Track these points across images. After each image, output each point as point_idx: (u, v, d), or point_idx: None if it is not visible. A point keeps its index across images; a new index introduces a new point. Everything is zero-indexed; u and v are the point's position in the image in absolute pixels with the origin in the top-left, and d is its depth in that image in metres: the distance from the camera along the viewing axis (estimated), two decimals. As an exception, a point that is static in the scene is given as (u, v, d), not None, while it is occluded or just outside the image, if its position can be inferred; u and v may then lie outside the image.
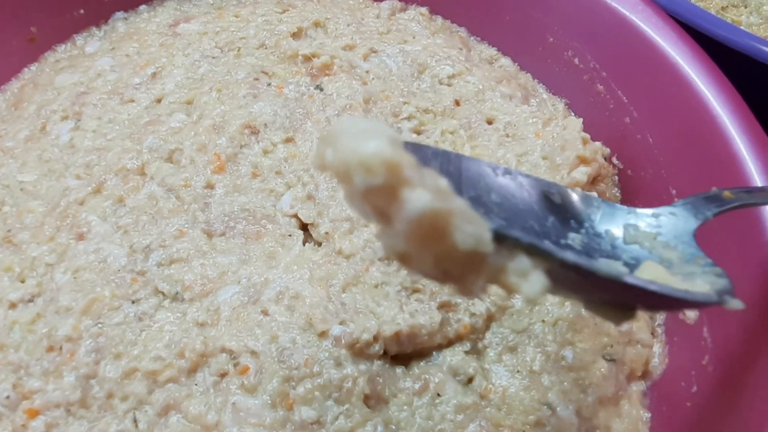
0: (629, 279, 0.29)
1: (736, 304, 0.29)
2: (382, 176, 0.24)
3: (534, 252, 0.28)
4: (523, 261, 0.27)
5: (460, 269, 0.27)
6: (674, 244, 0.34)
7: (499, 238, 0.27)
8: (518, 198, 0.33)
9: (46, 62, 0.67)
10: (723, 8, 0.74)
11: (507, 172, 0.34)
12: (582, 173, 0.52)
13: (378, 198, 0.25)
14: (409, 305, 0.46)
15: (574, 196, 0.35)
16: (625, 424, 0.45)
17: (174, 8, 0.73)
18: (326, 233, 0.51)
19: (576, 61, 0.63)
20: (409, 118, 0.59)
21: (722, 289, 0.30)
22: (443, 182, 0.25)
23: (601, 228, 0.34)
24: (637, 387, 0.47)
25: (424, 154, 0.32)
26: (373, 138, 0.24)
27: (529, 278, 0.27)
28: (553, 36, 0.64)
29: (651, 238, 0.34)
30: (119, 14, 0.71)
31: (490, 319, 0.47)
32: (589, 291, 0.30)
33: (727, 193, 0.38)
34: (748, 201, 0.39)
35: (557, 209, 0.34)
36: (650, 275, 0.30)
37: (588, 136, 0.55)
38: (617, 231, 0.34)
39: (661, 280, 0.30)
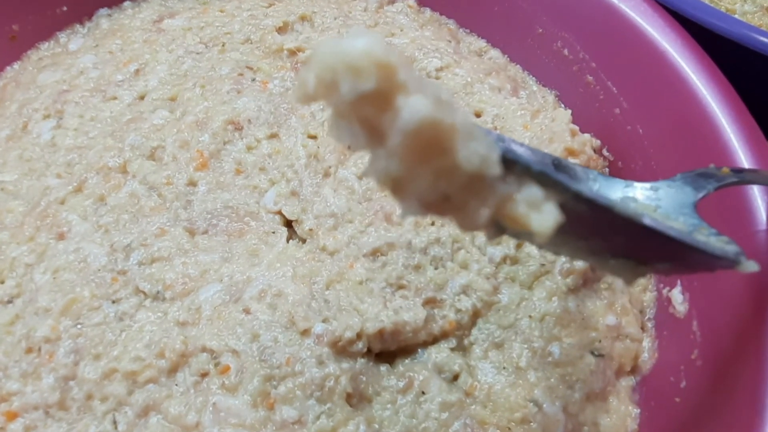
0: (647, 220, 0.26)
1: (751, 265, 0.28)
2: (374, 79, 0.21)
3: (546, 182, 0.24)
4: (534, 190, 0.24)
5: (462, 194, 0.23)
6: (675, 216, 0.33)
7: (508, 163, 0.23)
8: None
9: (29, 60, 0.67)
10: (715, -4, 0.73)
11: (500, 139, 0.31)
12: (570, 166, 0.51)
13: (369, 109, 0.21)
14: (393, 302, 0.46)
15: (574, 165, 0.34)
16: (614, 420, 0.44)
17: (159, 4, 0.72)
18: (310, 230, 0.50)
19: (565, 52, 0.62)
20: None
21: (737, 251, 0.29)
22: (445, 92, 0.22)
23: None
24: (626, 382, 0.46)
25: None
26: (362, 36, 0.21)
27: (542, 210, 0.23)
28: (542, 27, 0.63)
29: (651, 209, 0.33)
30: (103, 11, 0.70)
31: (476, 315, 0.46)
32: (602, 237, 0.28)
33: (725, 170, 0.37)
34: (746, 178, 0.38)
35: (561, 171, 0.32)
36: None
37: (576, 128, 0.54)
38: None
39: None
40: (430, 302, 0.46)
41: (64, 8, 0.68)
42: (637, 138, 0.56)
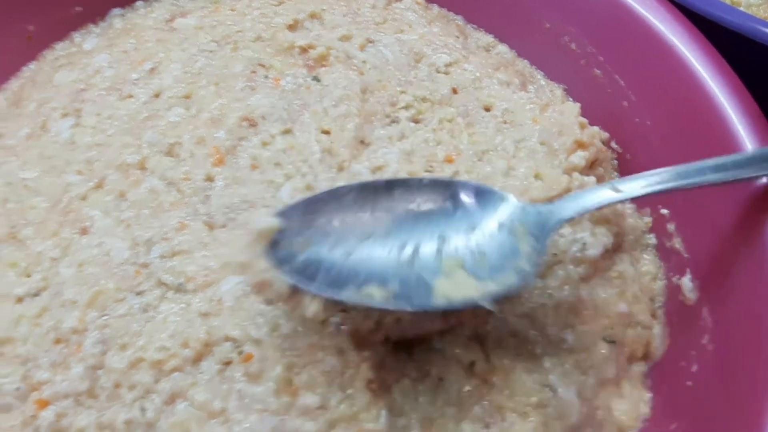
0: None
1: (486, 304, 0.38)
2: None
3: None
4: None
5: None
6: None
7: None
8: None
9: (45, 60, 0.68)
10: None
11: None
12: (580, 158, 0.52)
13: None
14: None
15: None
16: (627, 405, 0.45)
17: (170, 3, 0.73)
18: None
19: (573, 46, 0.63)
20: (406, 107, 0.59)
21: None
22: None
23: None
24: (638, 368, 0.47)
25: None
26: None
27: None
28: (549, 22, 0.64)
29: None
30: (116, 11, 0.71)
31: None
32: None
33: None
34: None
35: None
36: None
37: (586, 120, 0.55)
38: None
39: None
40: None
41: (79, 8, 0.69)
42: (645, 130, 0.57)
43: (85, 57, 0.67)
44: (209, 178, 0.53)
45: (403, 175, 0.52)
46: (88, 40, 0.69)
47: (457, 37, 0.69)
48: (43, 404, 0.43)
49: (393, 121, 0.59)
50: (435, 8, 0.73)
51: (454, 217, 0.43)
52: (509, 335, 0.46)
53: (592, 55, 0.61)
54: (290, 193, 0.53)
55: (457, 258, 0.41)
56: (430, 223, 0.43)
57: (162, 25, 0.70)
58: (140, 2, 0.73)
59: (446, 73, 0.64)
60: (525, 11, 0.66)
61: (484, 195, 0.43)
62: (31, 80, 0.66)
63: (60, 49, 0.69)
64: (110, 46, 0.67)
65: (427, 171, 0.53)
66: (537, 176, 0.52)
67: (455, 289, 0.39)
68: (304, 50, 0.63)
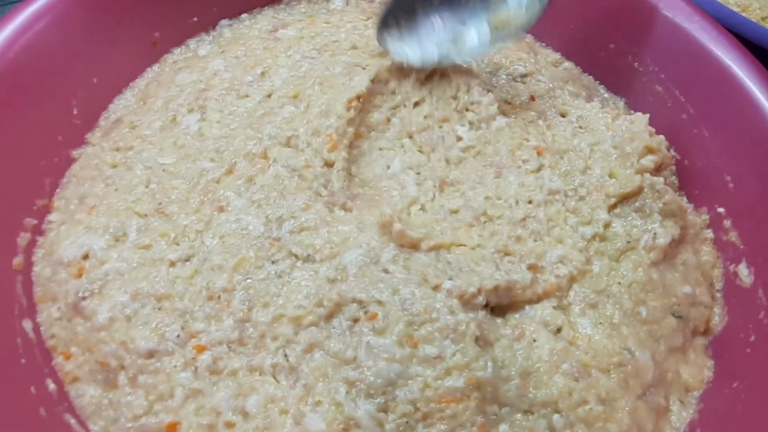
0: None
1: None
2: None
3: None
4: None
5: None
6: None
7: None
8: None
9: (166, 63, 0.77)
10: (763, 18, 0.83)
11: None
12: (649, 161, 0.60)
13: None
14: (503, 265, 0.55)
15: None
16: (692, 370, 0.53)
17: (271, 16, 0.82)
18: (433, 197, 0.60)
19: (636, 65, 0.71)
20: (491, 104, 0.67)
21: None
22: None
23: None
24: (700, 341, 0.55)
25: None
26: None
27: None
28: (614, 43, 0.73)
29: None
30: (224, 21, 0.81)
31: (572, 280, 0.55)
32: None
33: None
34: None
35: None
36: None
37: (653, 129, 0.64)
38: None
39: None
40: (533, 268, 0.55)
41: (195, 19, 0.78)
42: (702, 139, 0.65)
43: (201, 61, 0.76)
44: (328, 164, 0.62)
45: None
46: (201, 46, 0.79)
47: (528, 53, 0.78)
48: (201, 349, 0.52)
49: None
50: (507, 27, 0.81)
51: None
52: (589, 307, 0.53)
53: (654, 73, 0.70)
54: (401, 168, 0.61)
55: None
56: None
57: (266, 35, 0.79)
58: (245, 15, 0.82)
59: (522, 83, 0.72)
60: (592, 33, 0.75)
61: None
62: (155, 80, 0.75)
63: (178, 53, 0.78)
64: (223, 53, 0.77)
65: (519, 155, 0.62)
66: (611, 175, 0.60)
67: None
68: None
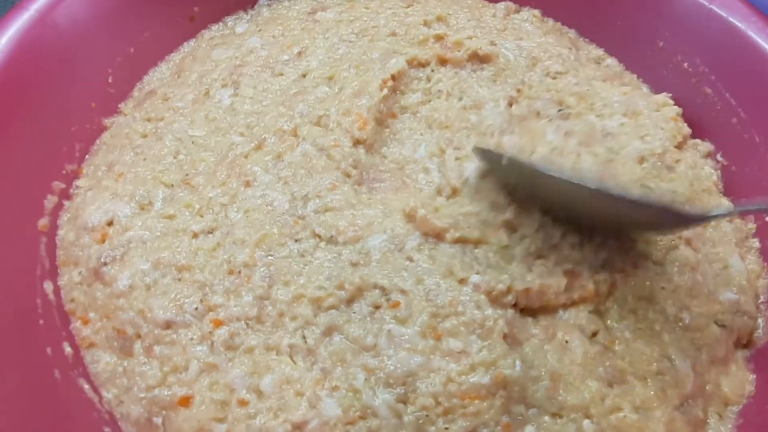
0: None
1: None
2: None
3: None
4: None
5: None
6: None
7: None
8: None
9: (202, 39, 0.77)
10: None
11: None
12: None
13: None
14: (535, 267, 0.52)
15: None
16: (733, 382, 0.49)
17: (311, -2, 0.81)
18: (453, 187, 0.57)
19: (685, 65, 0.68)
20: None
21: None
22: None
23: None
24: (742, 354, 0.52)
25: None
26: None
27: None
28: (664, 41, 0.70)
29: None
30: (263, 1, 0.80)
31: (613, 285, 0.52)
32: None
33: None
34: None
35: None
36: None
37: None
38: None
39: None
40: (568, 273, 0.52)
41: (234, -4, 0.78)
42: (753, 145, 0.61)
43: (238, 38, 0.75)
44: (356, 143, 0.60)
45: None
46: (239, 24, 0.78)
47: (570, 49, 0.75)
48: (218, 323, 0.50)
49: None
50: (550, 21, 0.79)
51: None
52: (629, 312, 0.51)
53: (704, 74, 0.66)
54: (426, 154, 0.59)
55: None
56: None
57: (305, 16, 0.78)
58: (284, -5, 0.81)
59: (554, 78, 0.69)
60: (639, 30, 0.72)
61: None
62: (190, 55, 0.75)
63: (215, 30, 0.78)
64: (260, 31, 0.76)
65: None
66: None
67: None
68: (439, 37, 0.69)
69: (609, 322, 0.50)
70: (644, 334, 0.49)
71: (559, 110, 0.56)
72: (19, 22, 0.58)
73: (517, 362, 0.47)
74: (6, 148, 0.54)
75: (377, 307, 0.50)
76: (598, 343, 0.49)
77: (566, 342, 0.49)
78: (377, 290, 0.51)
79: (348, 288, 0.51)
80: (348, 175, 0.58)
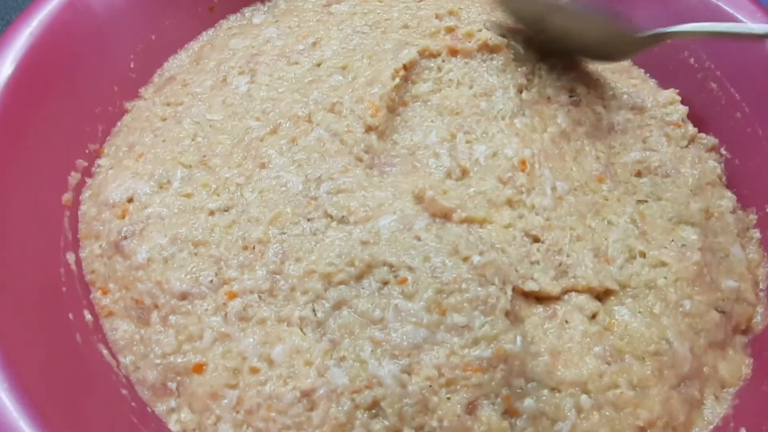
0: None
1: None
2: None
3: None
4: None
5: None
6: None
7: None
8: None
9: (221, 28, 0.79)
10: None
11: None
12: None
13: None
14: (533, 253, 0.54)
15: None
16: (730, 366, 0.51)
17: (326, -9, 0.83)
18: (463, 168, 0.59)
19: (691, 61, 0.69)
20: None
21: None
22: None
23: None
24: (741, 339, 0.53)
25: None
26: None
27: None
28: (671, 37, 0.71)
29: None
30: (280, -7, 0.83)
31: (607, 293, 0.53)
32: None
33: None
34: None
35: None
36: None
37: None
38: None
39: None
40: (563, 272, 0.54)
41: (252, -12, 0.81)
42: (756, 138, 0.63)
43: (255, 29, 0.78)
44: (368, 130, 0.62)
45: None
46: (256, 15, 0.81)
47: (578, 44, 0.77)
48: (232, 296, 0.53)
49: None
50: (559, 17, 0.81)
51: None
52: (629, 297, 0.52)
53: (709, 70, 0.68)
54: (437, 140, 0.61)
55: None
56: None
57: (320, 8, 0.80)
58: (300, -12, 0.84)
59: (564, 68, 0.71)
60: (648, 26, 0.73)
61: None
62: (209, 43, 0.77)
63: (233, 20, 0.80)
64: (277, 22, 0.78)
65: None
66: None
67: None
68: (450, 29, 0.71)
69: (608, 305, 0.52)
70: (644, 317, 0.50)
71: (570, 96, 0.58)
72: (50, 6, 0.60)
73: (519, 337, 0.48)
74: (36, 126, 0.56)
75: (385, 283, 0.52)
76: (597, 324, 0.50)
77: (566, 322, 0.50)
78: (386, 267, 0.53)
79: (358, 265, 0.52)
80: (360, 160, 0.60)
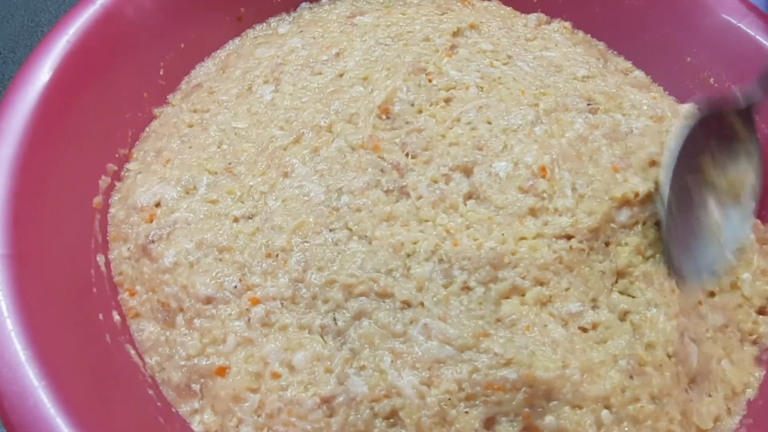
0: None
1: None
2: None
3: None
4: None
5: None
6: None
7: None
8: None
9: (247, 37, 0.81)
10: None
11: None
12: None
13: None
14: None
15: None
16: (739, 372, 0.54)
17: (350, 3, 0.85)
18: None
19: (711, 80, 0.70)
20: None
21: None
22: None
23: None
24: (750, 350, 0.54)
25: None
26: None
27: None
28: (692, 57, 0.72)
29: None
30: (305, 5, 0.84)
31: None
32: None
33: None
34: None
35: None
36: None
37: None
38: None
39: None
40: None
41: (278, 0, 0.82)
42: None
43: (280, 38, 0.80)
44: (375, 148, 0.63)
45: None
46: (281, 25, 0.83)
47: (598, 59, 0.77)
48: (255, 302, 0.54)
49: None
50: (580, 33, 0.81)
51: None
52: (653, 306, 0.53)
53: (728, 90, 0.68)
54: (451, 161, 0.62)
55: None
56: None
57: (344, 20, 0.82)
58: (325, 0, 0.85)
59: (582, 82, 0.72)
60: (668, 44, 0.74)
61: None
62: (235, 52, 0.79)
63: (259, 30, 0.82)
64: (301, 32, 0.80)
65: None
66: None
67: None
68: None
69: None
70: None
71: (588, 104, 0.59)
72: (87, 14, 0.63)
73: (553, 365, 0.49)
74: (71, 130, 0.58)
75: (409, 305, 0.52)
76: (626, 331, 0.51)
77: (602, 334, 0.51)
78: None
79: (383, 283, 0.53)
80: (379, 183, 0.60)
